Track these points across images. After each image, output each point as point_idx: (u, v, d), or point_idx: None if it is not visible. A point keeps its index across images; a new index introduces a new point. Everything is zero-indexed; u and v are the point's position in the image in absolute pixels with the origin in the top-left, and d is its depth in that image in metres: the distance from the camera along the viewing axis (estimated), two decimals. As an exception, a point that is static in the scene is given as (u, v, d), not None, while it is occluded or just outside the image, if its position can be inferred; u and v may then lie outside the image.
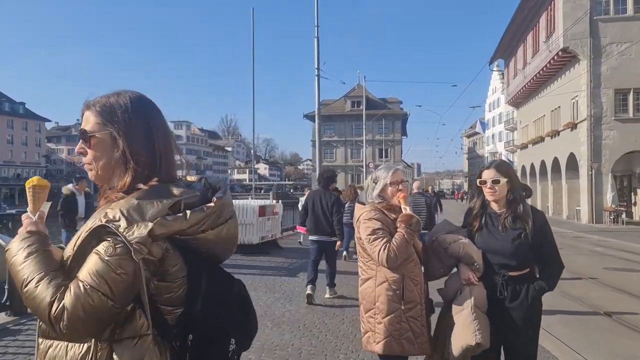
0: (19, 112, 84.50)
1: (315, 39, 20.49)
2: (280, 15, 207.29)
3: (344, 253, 10.53)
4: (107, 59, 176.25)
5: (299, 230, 10.40)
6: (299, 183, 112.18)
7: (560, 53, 26.31)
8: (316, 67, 20.53)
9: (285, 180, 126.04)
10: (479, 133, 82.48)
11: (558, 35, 26.30)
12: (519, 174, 42.93)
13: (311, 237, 7.24)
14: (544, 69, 29.16)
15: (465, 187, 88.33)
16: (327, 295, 7.25)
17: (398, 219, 3.04)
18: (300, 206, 10.60)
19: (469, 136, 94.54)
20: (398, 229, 3.00)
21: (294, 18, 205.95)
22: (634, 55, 24.55)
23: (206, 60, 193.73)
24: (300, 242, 13.66)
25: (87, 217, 3.69)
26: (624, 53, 24.58)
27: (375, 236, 2.99)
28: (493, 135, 76.11)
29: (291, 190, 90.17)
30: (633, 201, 27.86)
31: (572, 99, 27.27)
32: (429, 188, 13.01)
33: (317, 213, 7.02)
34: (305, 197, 8.62)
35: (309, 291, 6.94)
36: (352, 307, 6.60)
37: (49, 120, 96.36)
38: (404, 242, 2.94)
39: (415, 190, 8.92)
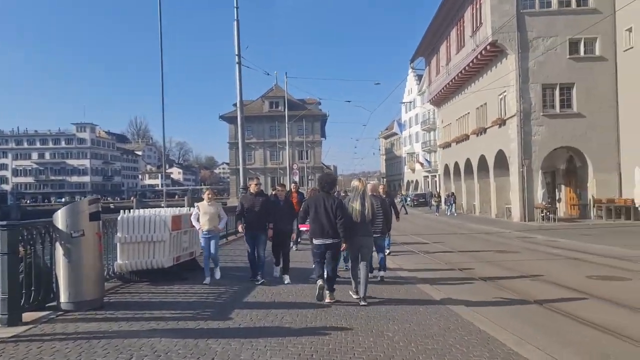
0: None
1: (235, 22, 17.98)
2: (195, 16, 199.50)
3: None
4: (2, 58, 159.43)
5: (301, 228, 9.45)
6: (215, 187, 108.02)
7: (488, 47, 25.66)
8: (237, 53, 18.02)
9: (201, 185, 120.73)
10: (397, 134, 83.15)
11: (486, 29, 25.64)
12: (441, 173, 42.79)
13: (315, 241, 7.14)
14: (471, 64, 28.53)
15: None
16: (327, 300, 7.04)
17: None
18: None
19: (386, 137, 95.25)
20: None
21: (207, 19, 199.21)
22: (559, 50, 24.34)
23: (114, 60, 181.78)
24: (295, 247, 13.06)
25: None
26: (549, 47, 24.29)
27: None
28: (410, 136, 76.84)
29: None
30: (557, 197, 27.88)
31: (500, 95, 26.75)
32: (381, 188, 10.95)
33: (321, 217, 7.04)
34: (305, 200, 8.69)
35: (320, 282, 6.95)
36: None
37: None
38: None
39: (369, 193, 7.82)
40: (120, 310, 6.36)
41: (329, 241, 7.01)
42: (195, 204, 8.86)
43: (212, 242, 8.60)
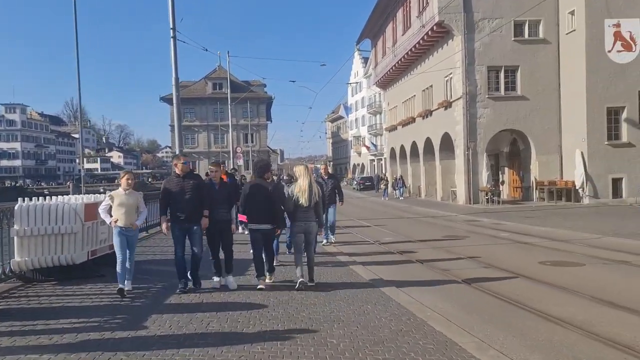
0: None
1: (168, -9, 16.45)
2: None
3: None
4: None
5: (240, 219, 8.76)
6: (158, 171, 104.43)
7: (434, 28, 25.22)
8: (172, 27, 16.52)
9: (142, 169, 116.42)
10: (343, 117, 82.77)
11: (432, 9, 25.16)
12: (387, 156, 42.61)
13: (251, 227, 7.12)
14: (417, 45, 28.08)
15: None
16: (267, 280, 7.25)
17: None
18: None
19: (332, 121, 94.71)
20: None
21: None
22: (504, 32, 24.22)
23: (44, 39, 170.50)
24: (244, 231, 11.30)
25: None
26: (495, 29, 24.13)
27: None
28: (356, 120, 76.63)
29: (149, 180, 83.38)
30: (501, 180, 28.10)
31: (446, 77, 26.48)
32: (322, 169, 10.57)
33: (256, 203, 6.98)
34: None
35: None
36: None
37: None
38: None
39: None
40: (6, 321, 5.20)
41: (263, 227, 7.01)
42: (108, 193, 6.92)
43: (128, 243, 6.63)
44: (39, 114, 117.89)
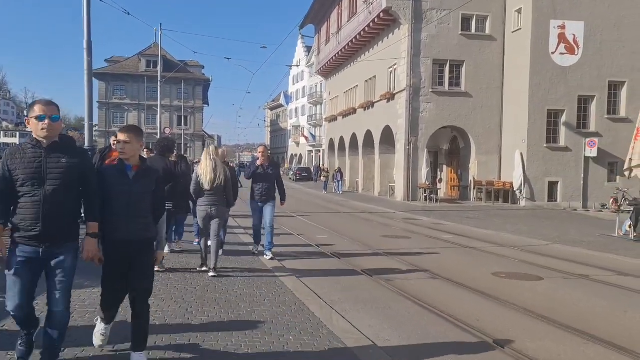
0: None
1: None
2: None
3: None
4: None
5: None
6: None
7: (381, 14, 24.05)
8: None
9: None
10: (283, 106, 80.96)
11: (380, -5, 23.97)
12: (326, 148, 41.35)
13: None
14: (362, 32, 26.86)
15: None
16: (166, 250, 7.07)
17: None
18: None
19: (272, 109, 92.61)
20: None
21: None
22: (452, 25, 23.46)
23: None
24: None
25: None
26: (442, 21, 23.30)
27: None
28: (297, 109, 75.09)
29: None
30: (439, 178, 27.53)
31: (390, 68, 25.44)
32: (261, 152, 8.89)
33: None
34: None
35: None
36: None
37: None
38: None
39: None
40: None
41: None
42: None
43: None
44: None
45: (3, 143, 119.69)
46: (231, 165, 9.91)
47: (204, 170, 6.74)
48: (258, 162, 8.43)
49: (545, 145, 22.37)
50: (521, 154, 22.26)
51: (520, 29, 22.72)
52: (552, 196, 22.70)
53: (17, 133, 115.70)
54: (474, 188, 24.20)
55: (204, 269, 7.00)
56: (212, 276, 6.68)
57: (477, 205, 22.61)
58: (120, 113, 63.13)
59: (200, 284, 6.40)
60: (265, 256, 8.40)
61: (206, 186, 6.72)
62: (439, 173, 27.89)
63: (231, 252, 8.66)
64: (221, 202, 6.87)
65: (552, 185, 22.68)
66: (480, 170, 24.01)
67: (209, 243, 6.99)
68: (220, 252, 7.39)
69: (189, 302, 5.56)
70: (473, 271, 8.54)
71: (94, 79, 55.75)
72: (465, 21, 23.69)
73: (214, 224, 6.86)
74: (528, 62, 22.14)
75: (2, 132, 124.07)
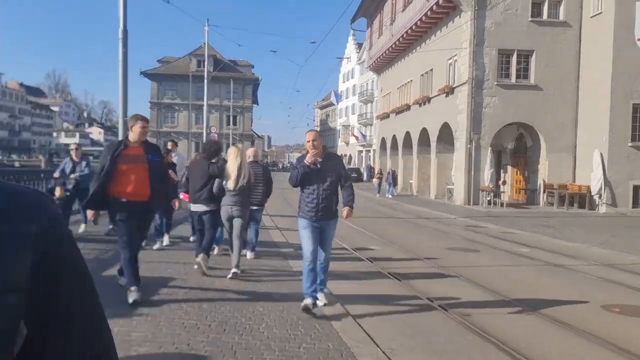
0: None
1: None
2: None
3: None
4: None
5: (182, 197, 7.64)
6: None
7: (440, 1, 22.00)
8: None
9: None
10: (333, 104, 79.38)
11: (439, -20, 21.92)
12: (377, 147, 39.35)
13: (192, 208, 6.94)
14: (419, 22, 24.85)
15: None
16: (198, 259, 6.58)
17: None
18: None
19: (322, 107, 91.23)
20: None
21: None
22: (520, 10, 21.13)
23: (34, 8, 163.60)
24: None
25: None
26: (509, 6, 21.01)
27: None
28: (346, 108, 73.33)
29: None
30: (502, 180, 25.09)
31: (449, 60, 23.32)
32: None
33: (195, 183, 6.77)
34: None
35: (199, 260, 6.52)
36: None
37: None
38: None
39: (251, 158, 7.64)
40: None
41: (202, 208, 6.73)
42: None
43: None
44: (18, 84, 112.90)
45: (64, 144, 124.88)
46: (262, 162, 9.46)
47: (228, 170, 6.56)
48: (308, 159, 5.27)
49: (629, 144, 19.64)
50: (601, 153, 19.65)
51: (601, 12, 20.09)
52: (637, 202, 19.94)
53: (77, 134, 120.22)
54: (544, 191, 21.71)
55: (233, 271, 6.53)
56: (233, 273, 6.42)
57: (548, 210, 20.16)
58: (171, 113, 63.63)
59: (217, 318, 4.88)
60: (317, 301, 5.36)
61: (230, 186, 6.51)
62: (502, 174, 25.44)
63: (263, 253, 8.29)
64: (244, 202, 6.67)
65: (638, 190, 19.91)
66: (551, 171, 21.51)
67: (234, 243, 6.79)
68: (249, 254, 7.83)
69: (196, 349, 4.03)
70: (573, 301, 6.58)
71: (146, 78, 55.51)
72: (536, 6, 21.27)
73: (235, 224, 6.66)
74: (610, 50, 19.48)
75: (63, 133, 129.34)
